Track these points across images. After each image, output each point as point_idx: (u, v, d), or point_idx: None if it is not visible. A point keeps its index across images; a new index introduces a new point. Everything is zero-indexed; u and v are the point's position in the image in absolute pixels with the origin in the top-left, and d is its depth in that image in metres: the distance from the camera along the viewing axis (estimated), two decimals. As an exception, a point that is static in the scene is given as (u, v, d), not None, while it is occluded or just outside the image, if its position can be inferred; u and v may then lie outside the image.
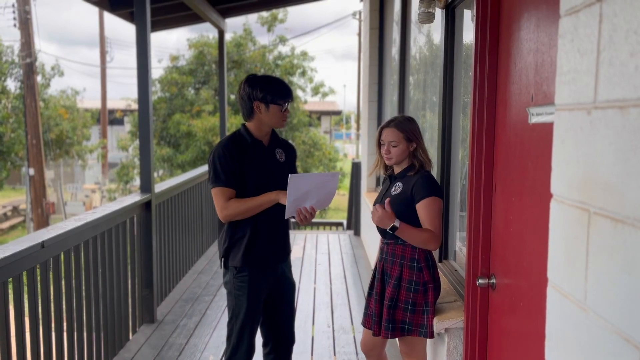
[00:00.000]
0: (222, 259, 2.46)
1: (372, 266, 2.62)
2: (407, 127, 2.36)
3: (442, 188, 2.92)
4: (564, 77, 0.90)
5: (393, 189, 2.38)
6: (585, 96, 0.83)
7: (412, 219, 2.31)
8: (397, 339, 2.46)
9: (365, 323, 2.49)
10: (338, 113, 36.12)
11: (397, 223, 2.24)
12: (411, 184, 2.32)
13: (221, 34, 6.59)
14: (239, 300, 2.43)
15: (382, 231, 2.44)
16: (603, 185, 0.78)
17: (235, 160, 2.34)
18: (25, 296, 2.45)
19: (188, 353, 3.48)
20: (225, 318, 4.06)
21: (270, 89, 2.34)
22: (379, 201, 2.45)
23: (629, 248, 0.72)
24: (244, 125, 2.45)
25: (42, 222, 15.10)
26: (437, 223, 2.26)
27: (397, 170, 2.42)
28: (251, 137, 2.42)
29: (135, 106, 16.97)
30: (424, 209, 2.27)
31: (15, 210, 19.70)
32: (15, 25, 16.11)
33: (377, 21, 5.64)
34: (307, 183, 2.28)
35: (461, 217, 2.81)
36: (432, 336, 2.33)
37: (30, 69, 14.96)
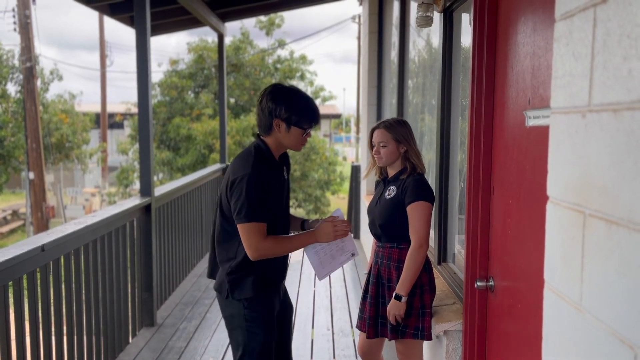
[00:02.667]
0: (227, 291, 2.13)
1: (367, 269, 2.63)
2: (396, 129, 2.38)
3: (437, 191, 2.94)
4: (559, 81, 0.91)
5: (387, 193, 2.40)
6: (580, 99, 0.84)
7: (405, 221, 2.33)
8: (394, 340, 2.46)
9: (361, 326, 2.50)
10: (338, 116, 36.17)
11: (399, 293, 2.30)
12: (403, 187, 2.33)
13: (220, 37, 6.61)
14: (253, 333, 2.14)
15: (376, 235, 2.46)
16: (598, 188, 0.79)
17: (266, 187, 2.05)
18: (26, 299, 2.45)
19: (188, 356, 3.48)
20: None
21: (296, 110, 2.07)
22: (374, 205, 2.47)
23: (624, 249, 0.72)
24: (262, 140, 2.14)
25: (42, 225, 15.09)
26: (422, 228, 2.28)
27: (390, 173, 2.44)
28: (272, 155, 2.15)
29: (135, 110, 16.98)
30: (411, 213, 2.30)
31: (15, 214, 19.69)
32: (15, 30, 16.15)
33: (376, 25, 5.66)
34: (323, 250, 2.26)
35: (460, 220, 2.82)
36: (429, 338, 2.34)
37: (30, 73, 14.98)
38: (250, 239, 2.03)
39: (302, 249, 2.24)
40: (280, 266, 2.22)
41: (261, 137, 2.15)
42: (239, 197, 2.01)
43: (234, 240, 2.10)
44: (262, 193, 2.02)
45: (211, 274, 2.26)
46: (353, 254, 2.29)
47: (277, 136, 2.11)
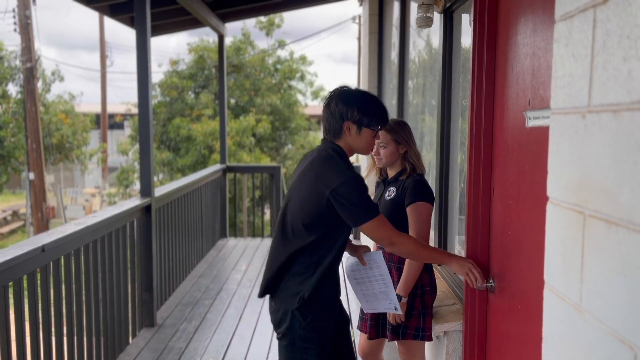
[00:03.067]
0: (298, 303, 1.99)
1: None
2: (395, 130, 2.39)
3: (437, 192, 2.94)
4: (559, 82, 0.91)
5: (387, 194, 2.40)
6: (579, 100, 0.84)
7: (406, 222, 2.33)
8: (396, 342, 2.47)
9: (362, 327, 2.50)
10: (338, 117, 36.13)
11: (400, 294, 2.28)
12: (403, 188, 2.34)
13: (221, 38, 6.61)
14: (307, 354, 2.02)
15: None
16: (598, 188, 0.79)
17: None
18: (26, 300, 2.45)
19: (188, 357, 3.48)
20: (225, 322, 4.06)
21: (368, 111, 2.02)
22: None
23: (623, 250, 0.73)
24: (337, 145, 2.05)
25: (42, 226, 15.09)
26: (422, 228, 2.28)
27: (390, 174, 2.45)
28: (348, 158, 2.09)
29: (135, 110, 16.99)
30: (410, 213, 2.30)
31: (15, 214, 19.70)
32: (15, 30, 16.16)
33: (376, 25, 5.66)
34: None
35: (460, 221, 2.82)
36: (430, 339, 2.34)
37: (30, 73, 14.99)
38: (386, 230, 1.96)
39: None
40: (338, 283, 2.13)
41: (336, 143, 2.06)
42: (352, 202, 1.93)
43: (316, 250, 2.01)
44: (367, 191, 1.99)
45: (267, 290, 2.12)
46: (396, 308, 2.19)
47: (347, 140, 2.04)
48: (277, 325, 2.09)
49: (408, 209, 2.30)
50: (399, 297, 2.29)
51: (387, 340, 2.46)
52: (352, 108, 2.00)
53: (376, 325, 2.44)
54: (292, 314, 2.01)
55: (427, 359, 2.73)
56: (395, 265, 2.38)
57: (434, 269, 2.49)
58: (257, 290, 4.79)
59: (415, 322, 2.34)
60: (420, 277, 2.34)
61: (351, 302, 4.48)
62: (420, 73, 3.90)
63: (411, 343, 2.40)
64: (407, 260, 2.29)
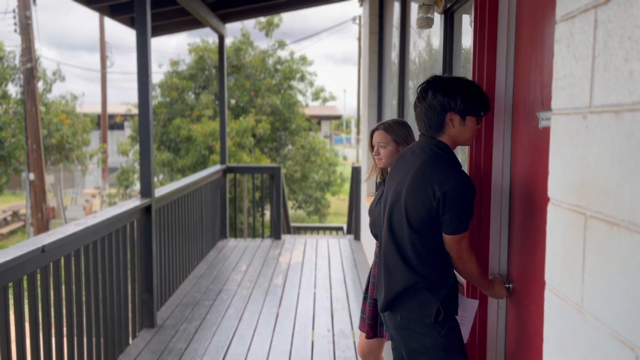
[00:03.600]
0: (434, 317, 1.82)
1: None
2: (395, 130, 2.39)
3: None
4: (560, 82, 0.91)
5: None
6: (581, 101, 0.84)
7: None
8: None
9: (361, 327, 2.51)
10: (338, 117, 36.21)
11: None
12: None
13: (221, 38, 6.61)
14: (454, 359, 1.88)
15: (377, 235, 2.45)
16: (599, 189, 0.79)
17: None
18: (26, 300, 2.45)
19: (188, 358, 3.47)
20: (225, 323, 4.06)
21: (472, 98, 1.82)
22: (374, 205, 2.47)
23: (624, 251, 0.72)
24: (440, 141, 1.87)
25: (42, 226, 15.09)
26: None
27: None
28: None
29: (135, 111, 16.99)
30: None
31: (15, 215, 19.70)
32: (16, 31, 16.16)
33: (376, 26, 5.66)
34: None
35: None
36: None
37: (30, 74, 14.99)
38: (465, 245, 1.82)
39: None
40: None
41: (441, 140, 1.87)
42: (459, 208, 1.77)
43: (436, 256, 1.86)
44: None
45: (392, 305, 1.92)
46: None
47: (451, 133, 1.85)
48: (407, 341, 1.92)
49: None
50: None
51: (385, 340, 2.46)
52: (455, 97, 1.81)
53: (374, 325, 2.44)
54: (429, 327, 1.84)
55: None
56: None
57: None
58: (257, 290, 4.80)
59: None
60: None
61: (351, 301, 4.48)
62: (421, 73, 3.90)
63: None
64: None
